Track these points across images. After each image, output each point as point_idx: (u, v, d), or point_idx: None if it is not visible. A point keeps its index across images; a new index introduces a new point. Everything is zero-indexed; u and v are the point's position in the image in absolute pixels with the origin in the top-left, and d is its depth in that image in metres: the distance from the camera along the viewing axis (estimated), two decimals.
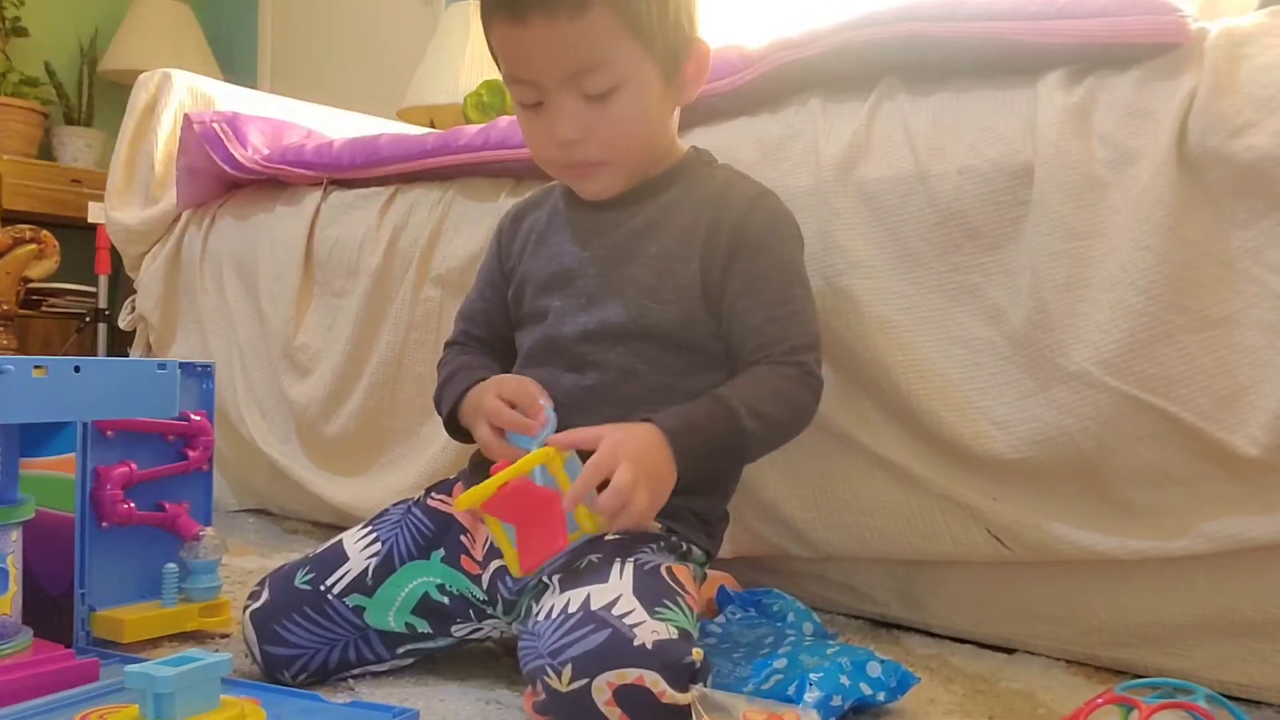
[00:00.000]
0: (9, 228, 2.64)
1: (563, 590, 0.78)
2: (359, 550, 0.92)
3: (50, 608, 0.93)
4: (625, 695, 0.70)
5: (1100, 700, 0.69)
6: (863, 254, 1.03)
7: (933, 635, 1.08)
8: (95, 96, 3.51)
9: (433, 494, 0.97)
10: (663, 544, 0.85)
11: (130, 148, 1.92)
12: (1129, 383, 0.88)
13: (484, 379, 0.93)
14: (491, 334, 1.04)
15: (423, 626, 0.90)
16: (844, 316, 1.03)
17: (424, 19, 3.07)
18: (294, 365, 1.61)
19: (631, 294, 0.92)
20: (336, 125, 2.04)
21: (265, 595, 0.91)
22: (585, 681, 0.70)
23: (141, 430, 1.02)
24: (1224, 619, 0.90)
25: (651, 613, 0.74)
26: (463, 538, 0.93)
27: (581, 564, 0.81)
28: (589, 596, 0.75)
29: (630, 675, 0.70)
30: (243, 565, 1.34)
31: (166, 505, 1.04)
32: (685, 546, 0.88)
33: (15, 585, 0.85)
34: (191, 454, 1.07)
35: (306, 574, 0.91)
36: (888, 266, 1.02)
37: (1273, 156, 0.84)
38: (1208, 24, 0.94)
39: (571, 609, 0.74)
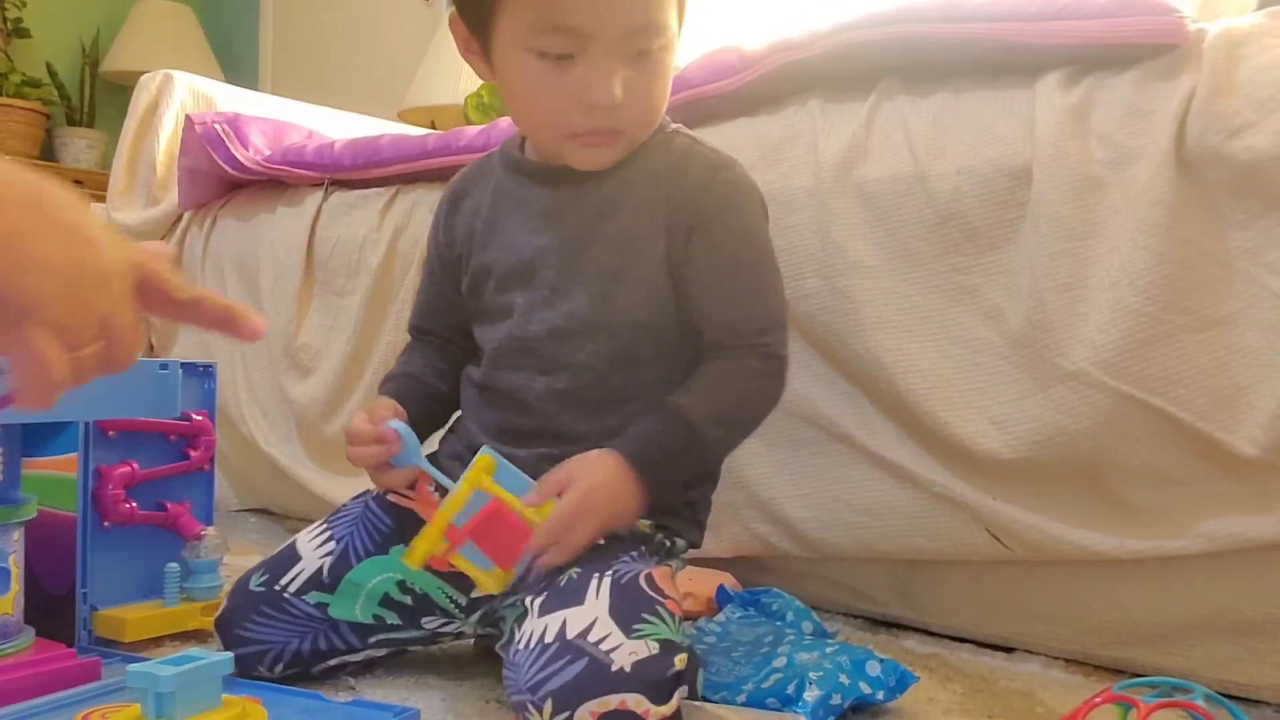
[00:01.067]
0: None
1: (540, 615, 0.76)
2: (313, 549, 0.91)
3: (52, 607, 0.94)
4: None
5: (1099, 699, 0.69)
6: (862, 254, 1.03)
7: (932, 634, 1.09)
8: (97, 97, 3.51)
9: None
10: (644, 548, 0.84)
11: (132, 149, 1.93)
12: (1128, 383, 0.88)
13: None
14: (442, 326, 1.00)
15: (391, 619, 0.90)
16: (844, 316, 1.03)
17: (424, 19, 3.07)
18: (295, 365, 1.61)
19: (595, 279, 0.87)
20: (337, 126, 2.04)
21: (225, 605, 0.91)
22: (567, 715, 0.69)
23: (143, 430, 1.02)
24: (1223, 619, 0.90)
25: (629, 632, 0.72)
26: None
27: (562, 581, 0.79)
28: (565, 623, 0.74)
29: (612, 701, 0.69)
30: (244, 565, 1.33)
31: (168, 505, 1.04)
32: (670, 543, 0.88)
33: (17, 585, 0.85)
34: (193, 454, 1.07)
35: (261, 576, 0.90)
36: (887, 267, 1.03)
37: (1271, 157, 0.84)
38: (1206, 25, 0.94)
39: (548, 639, 0.73)
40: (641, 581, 0.79)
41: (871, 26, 1.07)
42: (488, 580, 0.81)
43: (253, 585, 0.90)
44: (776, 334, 0.87)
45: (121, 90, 3.01)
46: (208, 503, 1.09)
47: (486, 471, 0.80)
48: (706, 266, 0.86)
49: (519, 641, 0.76)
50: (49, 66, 3.41)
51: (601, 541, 0.82)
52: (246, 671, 0.87)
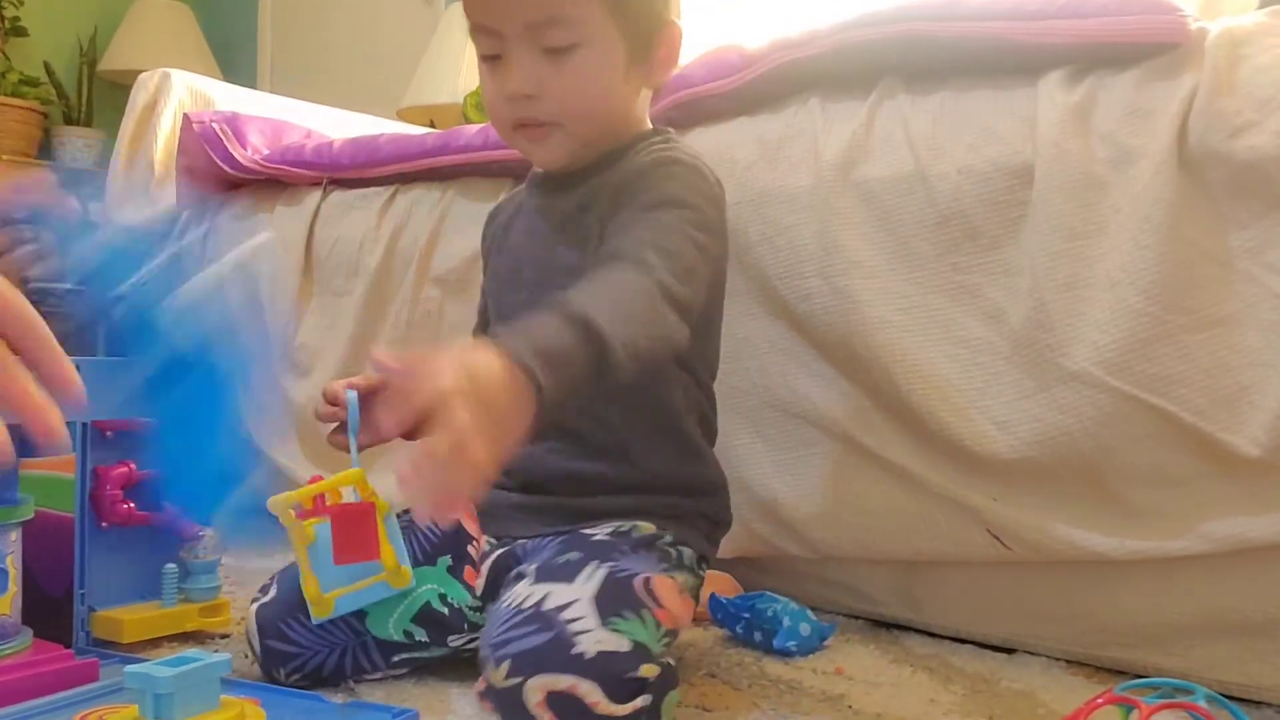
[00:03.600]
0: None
1: (532, 582, 0.77)
2: None
3: (50, 608, 0.93)
4: (558, 701, 0.69)
5: (1100, 700, 0.69)
6: (863, 254, 1.03)
7: (932, 635, 1.08)
8: (95, 96, 3.50)
9: None
10: (646, 551, 0.84)
11: (130, 148, 1.92)
12: (1129, 382, 0.88)
13: None
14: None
15: (420, 635, 0.90)
16: (844, 316, 1.03)
17: (424, 19, 3.07)
18: (294, 365, 1.61)
19: (562, 281, 0.80)
20: (336, 125, 2.04)
21: (274, 591, 0.90)
22: (520, 680, 0.70)
23: (141, 430, 1.02)
24: (1224, 619, 0.90)
25: (605, 622, 0.72)
26: (470, 548, 0.93)
27: (560, 560, 0.80)
28: (546, 595, 0.75)
29: (564, 682, 0.69)
30: (242, 565, 1.34)
31: (166, 505, 1.04)
32: (677, 554, 0.88)
33: (15, 585, 0.85)
34: None
35: None
36: (888, 266, 1.02)
37: (1273, 156, 0.84)
38: (1208, 24, 0.94)
39: (526, 605, 0.74)
40: (638, 582, 0.78)
41: (872, 25, 1.07)
42: (312, 585, 0.82)
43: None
44: (677, 274, 0.77)
45: (119, 89, 3.00)
46: None
47: (369, 486, 0.83)
48: (614, 227, 0.84)
49: (503, 601, 0.77)
50: (46, 65, 3.41)
51: (605, 537, 0.82)
52: (265, 669, 0.89)
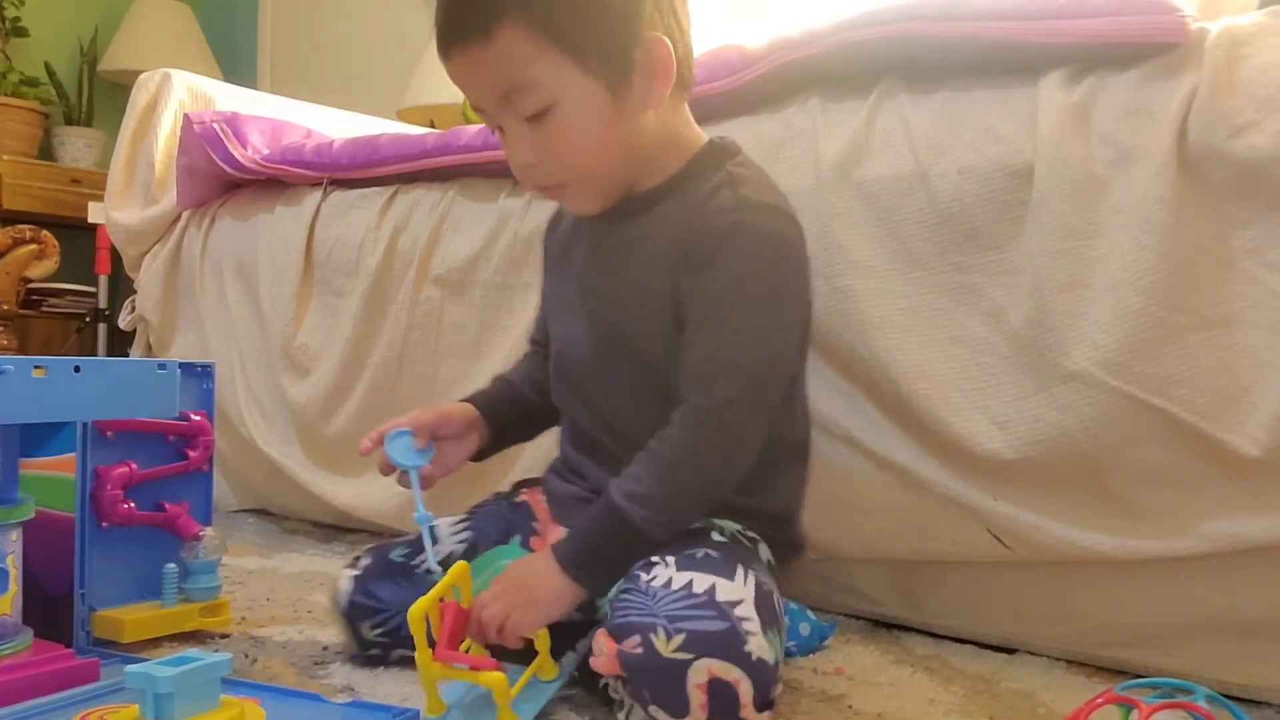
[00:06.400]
0: (9, 228, 2.64)
1: (680, 569, 0.79)
2: (451, 535, 0.97)
3: (50, 608, 0.93)
4: (717, 689, 0.72)
5: (1100, 700, 0.69)
6: (863, 253, 1.03)
7: (933, 635, 1.08)
8: (95, 96, 3.50)
9: (522, 488, 1.03)
10: (765, 569, 0.86)
11: (130, 148, 1.92)
12: (1129, 383, 0.88)
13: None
14: (546, 338, 1.05)
15: None
16: (844, 316, 1.03)
17: (424, 18, 3.03)
18: (294, 365, 1.61)
19: (614, 315, 0.90)
20: (336, 125, 2.04)
21: (366, 562, 0.96)
22: (690, 657, 0.72)
23: (141, 430, 1.02)
24: (1224, 619, 0.90)
25: (764, 632, 0.75)
26: (534, 523, 0.98)
27: (698, 553, 0.81)
28: (715, 586, 0.76)
29: (732, 673, 0.72)
30: (242, 565, 1.34)
31: (166, 505, 1.04)
32: (752, 544, 0.89)
33: (15, 585, 0.85)
34: (191, 454, 1.07)
35: (402, 550, 0.96)
36: (888, 266, 1.02)
37: (1273, 156, 0.84)
38: (1208, 24, 0.94)
39: (697, 590, 0.76)
40: (775, 597, 0.82)
41: (872, 25, 1.07)
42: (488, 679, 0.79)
43: (394, 556, 0.96)
44: (727, 382, 0.83)
45: (120, 89, 3.00)
46: (206, 503, 1.08)
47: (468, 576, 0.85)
48: (693, 310, 0.85)
49: (650, 580, 0.78)
50: (47, 65, 3.40)
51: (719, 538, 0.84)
52: (352, 622, 0.94)
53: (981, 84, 1.02)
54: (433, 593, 0.80)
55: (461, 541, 0.97)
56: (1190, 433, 0.87)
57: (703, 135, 0.93)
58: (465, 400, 1.01)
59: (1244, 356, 0.86)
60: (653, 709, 0.74)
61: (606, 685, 0.82)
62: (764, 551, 0.90)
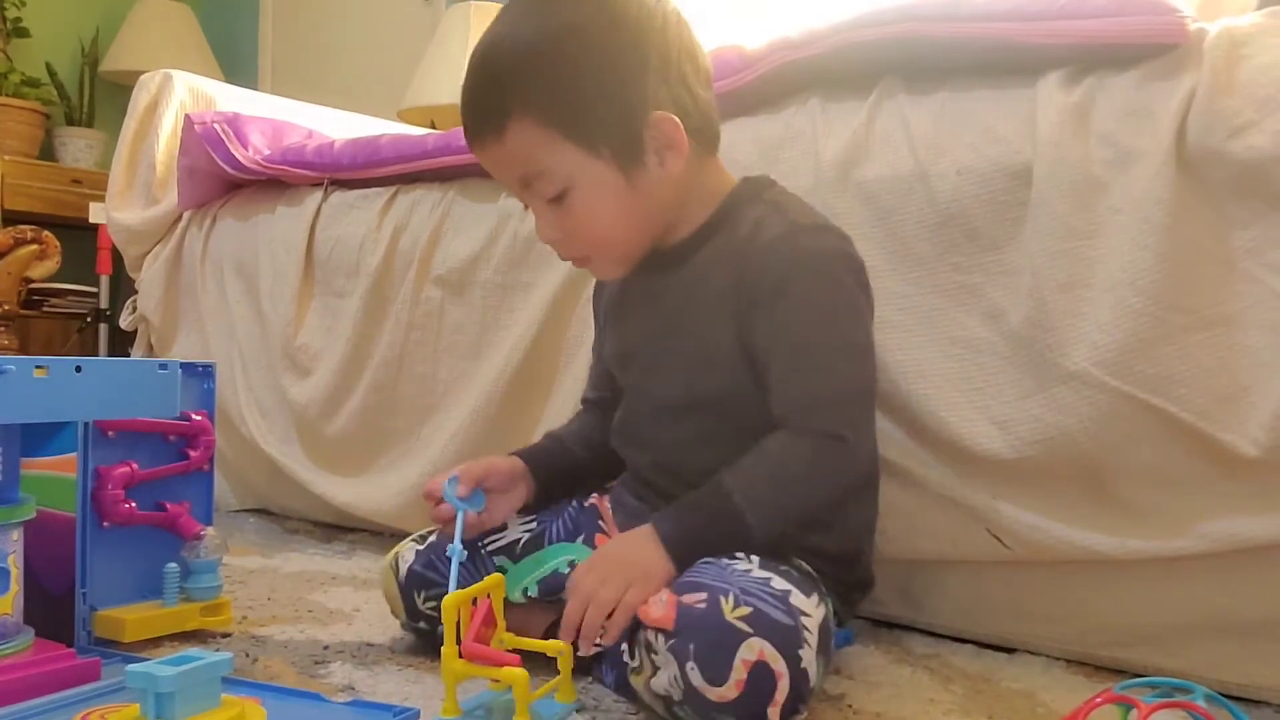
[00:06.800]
0: (10, 228, 2.64)
1: (763, 568, 0.80)
2: (518, 524, 0.99)
3: (52, 607, 0.94)
4: (760, 673, 0.73)
5: (1099, 699, 0.69)
6: (863, 254, 1.03)
7: (933, 635, 1.08)
8: (96, 97, 3.51)
9: (592, 494, 1.04)
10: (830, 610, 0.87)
11: (131, 148, 1.93)
12: (1129, 383, 0.88)
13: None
14: (600, 396, 1.07)
15: (533, 592, 0.95)
16: None
17: (424, 19, 3.07)
18: (294, 365, 1.61)
19: (681, 368, 0.92)
20: (337, 126, 2.04)
21: (433, 539, 0.98)
22: (749, 630, 0.73)
23: (143, 430, 1.02)
24: (1224, 619, 0.90)
25: (817, 653, 0.77)
26: (600, 521, 1.00)
27: (780, 565, 0.83)
28: (791, 592, 0.78)
29: (778, 664, 0.73)
30: (243, 565, 1.34)
31: (167, 505, 1.04)
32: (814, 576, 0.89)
33: (17, 585, 0.85)
34: (192, 454, 1.07)
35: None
36: (888, 266, 1.03)
37: (1272, 156, 0.84)
38: (1207, 24, 0.94)
39: (774, 587, 0.78)
40: (832, 639, 0.84)
41: (872, 26, 1.07)
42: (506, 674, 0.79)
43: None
44: (837, 410, 0.86)
45: (121, 90, 3.01)
46: (207, 503, 1.09)
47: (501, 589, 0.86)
48: (767, 343, 0.87)
49: (734, 563, 0.81)
50: (48, 66, 3.41)
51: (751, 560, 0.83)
52: (407, 589, 0.96)
53: (981, 84, 1.02)
54: (469, 589, 0.81)
55: (527, 530, 0.99)
56: (1190, 433, 0.87)
57: (732, 178, 0.95)
58: (514, 454, 1.02)
59: (1244, 356, 0.86)
60: (689, 666, 0.73)
61: (595, 659, 0.83)
62: (831, 602, 0.89)
